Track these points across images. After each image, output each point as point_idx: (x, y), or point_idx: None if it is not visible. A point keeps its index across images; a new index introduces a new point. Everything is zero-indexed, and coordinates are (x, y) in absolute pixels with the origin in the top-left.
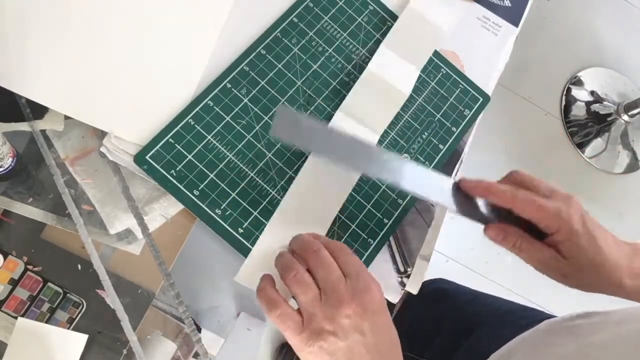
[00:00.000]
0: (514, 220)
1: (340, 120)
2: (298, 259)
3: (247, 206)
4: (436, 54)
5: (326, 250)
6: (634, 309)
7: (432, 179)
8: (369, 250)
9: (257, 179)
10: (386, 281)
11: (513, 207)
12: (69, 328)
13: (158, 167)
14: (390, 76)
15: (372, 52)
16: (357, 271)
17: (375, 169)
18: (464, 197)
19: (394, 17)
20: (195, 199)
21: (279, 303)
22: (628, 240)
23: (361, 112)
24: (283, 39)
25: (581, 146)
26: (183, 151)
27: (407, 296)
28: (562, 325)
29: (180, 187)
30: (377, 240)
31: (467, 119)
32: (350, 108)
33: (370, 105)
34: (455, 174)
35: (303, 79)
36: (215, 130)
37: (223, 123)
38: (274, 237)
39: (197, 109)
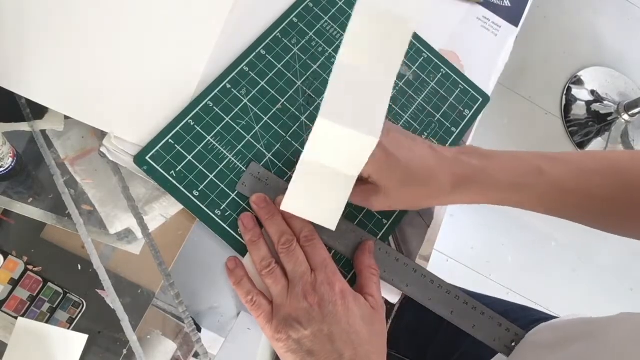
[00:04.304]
0: None
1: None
2: (271, 247)
3: (246, 207)
4: (436, 54)
5: (298, 246)
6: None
7: (390, 258)
8: None
9: None
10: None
11: None
12: (69, 328)
13: (158, 167)
14: (332, 159)
15: None
16: (322, 266)
17: (331, 237)
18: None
19: None
20: (195, 200)
21: (253, 293)
22: (627, 242)
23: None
24: (283, 39)
25: (581, 146)
26: (183, 152)
27: (405, 298)
28: (547, 338)
29: (180, 187)
30: (376, 241)
31: (466, 119)
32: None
33: (313, 197)
34: None
35: (303, 79)
36: (215, 131)
37: (223, 124)
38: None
39: (196, 109)
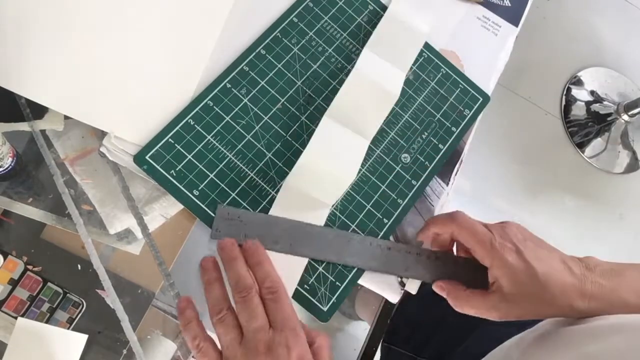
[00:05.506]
0: (462, 271)
1: (327, 126)
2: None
3: (247, 206)
4: (436, 53)
5: (257, 297)
6: (627, 317)
7: (375, 249)
8: None
9: (257, 179)
10: (386, 281)
11: (453, 230)
12: (69, 328)
13: (158, 167)
14: (377, 78)
15: None
16: (283, 325)
17: (320, 250)
18: (408, 259)
19: None
20: (195, 199)
21: (200, 338)
22: (627, 242)
23: (349, 116)
24: (283, 38)
25: (581, 146)
26: (183, 151)
27: (405, 296)
28: (557, 330)
29: (180, 187)
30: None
31: (467, 118)
32: (337, 112)
33: (358, 109)
34: (455, 174)
35: (303, 79)
36: (215, 130)
37: (223, 123)
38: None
39: (197, 109)
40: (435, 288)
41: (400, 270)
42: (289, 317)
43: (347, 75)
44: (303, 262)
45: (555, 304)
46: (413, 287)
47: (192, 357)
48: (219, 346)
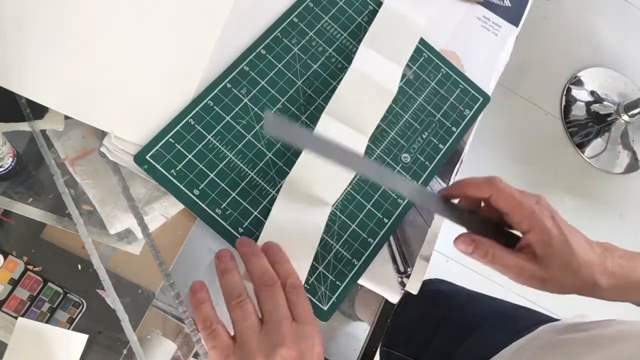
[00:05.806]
0: (489, 230)
1: (326, 124)
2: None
3: (247, 206)
4: (436, 53)
5: (281, 289)
6: (627, 324)
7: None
8: (369, 250)
9: (257, 178)
10: (386, 281)
11: (491, 195)
12: (69, 328)
13: (158, 166)
14: (374, 75)
15: None
16: (306, 318)
17: (372, 171)
18: (449, 205)
19: None
20: (195, 199)
21: (213, 320)
22: (627, 242)
23: (347, 114)
24: (283, 39)
25: (581, 146)
26: (183, 151)
27: (404, 297)
28: (557, 339)
29: (181, 186)
30: (377, 240)
31: (467, 118)
32: (335, 110)
33: (357, 106)
34: (455, 174)
35: (303, 79)
36: (216, 130)
37: (223, 123)
38: (272, 236)
39: (197, 108)
40: (461, 243)
41: (446, 214)
42: (312, 312)
43: None
44: (310, 254)
45: (580, 275)
46: (414, 287)
47: (193, 357)
48: (230, 332)
